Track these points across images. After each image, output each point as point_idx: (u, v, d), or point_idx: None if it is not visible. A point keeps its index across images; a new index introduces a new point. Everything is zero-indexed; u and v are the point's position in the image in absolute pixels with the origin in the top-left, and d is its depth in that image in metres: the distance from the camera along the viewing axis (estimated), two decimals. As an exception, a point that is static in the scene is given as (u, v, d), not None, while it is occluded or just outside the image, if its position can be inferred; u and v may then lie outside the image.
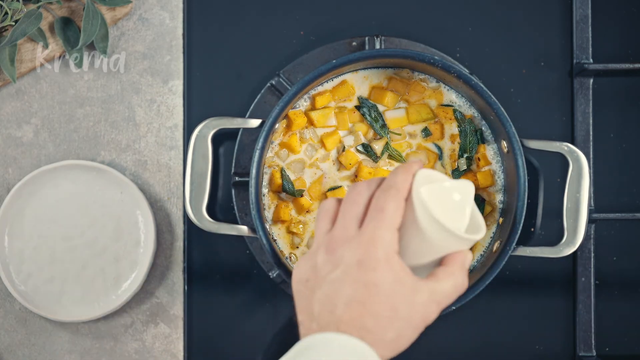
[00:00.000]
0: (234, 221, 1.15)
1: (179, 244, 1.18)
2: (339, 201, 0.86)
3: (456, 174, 1.13)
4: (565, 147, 1.07)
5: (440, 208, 0.83)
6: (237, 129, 1.16)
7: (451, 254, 0.85)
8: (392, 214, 0.82)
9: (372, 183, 0.86)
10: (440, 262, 0.86)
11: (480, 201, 1.12)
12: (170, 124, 1.18)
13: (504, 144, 1.09)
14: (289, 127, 1.12)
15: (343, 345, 0.79)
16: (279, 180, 1.12)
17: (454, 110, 1.13)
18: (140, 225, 1.16)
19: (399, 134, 1.13)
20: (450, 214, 0.84)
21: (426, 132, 1.13)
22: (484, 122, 1.13)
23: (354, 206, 0.84)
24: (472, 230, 0.86)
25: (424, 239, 0.83)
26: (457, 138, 1.13)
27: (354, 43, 1.16)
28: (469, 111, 1.13)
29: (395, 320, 0.81)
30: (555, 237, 1.10)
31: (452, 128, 1.13)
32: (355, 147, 1.13)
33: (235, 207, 1.15)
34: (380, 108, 1.13)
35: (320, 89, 1.13)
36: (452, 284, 0.84)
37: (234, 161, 1.16)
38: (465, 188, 0.85)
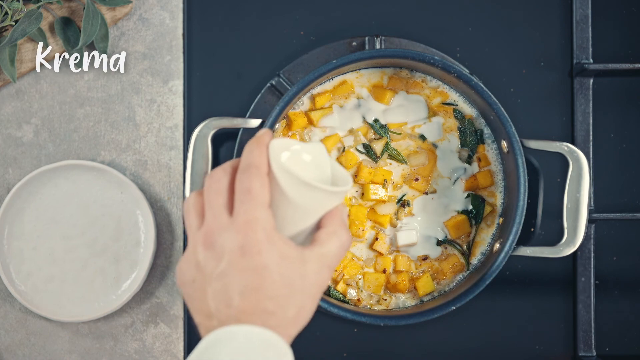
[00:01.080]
0: (234, 221, 1.15)
1: (179, 244, 1.18)
2: (201, 194, 0.85)
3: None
4: (565, 147, 1.07)
5: (300, 170, 0.84)
6: (237, 129, 1.16)
7: (327, 214, 0.85)
8: (259, 192, 0.81)
9: (227, 167, 0.84)
10: (318, 225, 0.85)
11: (480, 201, 1.13)
12: (170, 124, 1.18)
13: (504, 144, 1.09)
14: (289, 127, 1.12)
15: (247, 336, 0.78)
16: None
17: (454, 110, 1.13)
18: (140, 225, 1.16)
19: (399, 134, 1.13)
20: (309, 173, 0.84)
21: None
22: (484, 122, 1.13)
23: (218, 195, 0.83)
24: (338, 184, 0.86)
25: (295, 206, 0.83)
26: (457, 135, 1.13)
27: (354, 43, 1.16)
28: (469, 111, 1.13)
29: (293, 296, 0.80)
30: (555, 237, 1.10)
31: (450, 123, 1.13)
32: (355, 147, 1.13)
33: (235, 207, 1.15)
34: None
35: (320, 89, 1.13)
36: (337, 244, 0.83)
37: (234, 161, 1.16)
38: (314, 148, 0.86)
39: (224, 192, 0.83)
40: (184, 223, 0.85)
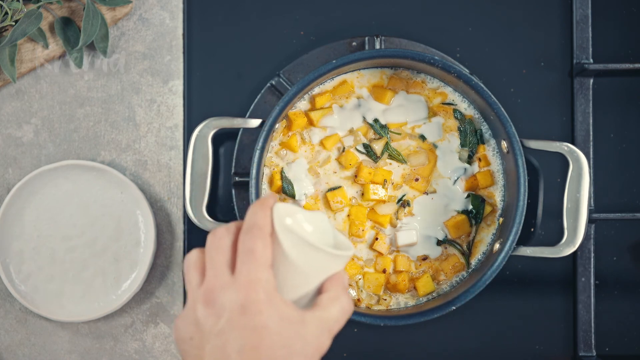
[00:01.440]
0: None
1: (179, 244, 1.18)
2: (203, 251, 0.84)
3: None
4: (565, 147, 1.07)
5: (303, 233, 0.84)
6: (237, 129, 1.16)
7: (329, 279, 0.84)
8: (262, 253, 0.81)
9: (230, 227, 0.84)
10: (320, 290, 0.85)
11: (480, 201, 1.12)
12: (170, 124, 1.18)
13: (504, 144, 1.09)
14: (289, 127, 1.12)
15: None
16: (278, 182, 1.12)
17: (454, 110, 1.13)
18: (140, 225, 1.16)
19: (399, 134, 1.13)
20: (312, 237, 0.84)
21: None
22: (484, 122, 1.13)
23: (220, 253, 0.82)
24: (340, 249, 0.86)
25: (297, 268, 0.82)
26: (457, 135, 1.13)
27: (354, 43, 1.16)
28: (469, 111, 1.13)
29: (291, 357, 0.80)
30: (555, 237, 1.10)
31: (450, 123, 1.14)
32: (355, 147, 1.13)
33: (236, 207, 1.15)
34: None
35: (320, 89, 1.13)
36: (338, 309, 0.83)
37: (234, 161, 1.16)
38: (317, 217, 0.86)
39: (227, 250, 0.83)
40: (183, 280, 0.85)
